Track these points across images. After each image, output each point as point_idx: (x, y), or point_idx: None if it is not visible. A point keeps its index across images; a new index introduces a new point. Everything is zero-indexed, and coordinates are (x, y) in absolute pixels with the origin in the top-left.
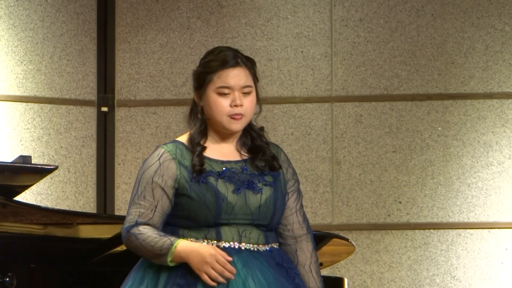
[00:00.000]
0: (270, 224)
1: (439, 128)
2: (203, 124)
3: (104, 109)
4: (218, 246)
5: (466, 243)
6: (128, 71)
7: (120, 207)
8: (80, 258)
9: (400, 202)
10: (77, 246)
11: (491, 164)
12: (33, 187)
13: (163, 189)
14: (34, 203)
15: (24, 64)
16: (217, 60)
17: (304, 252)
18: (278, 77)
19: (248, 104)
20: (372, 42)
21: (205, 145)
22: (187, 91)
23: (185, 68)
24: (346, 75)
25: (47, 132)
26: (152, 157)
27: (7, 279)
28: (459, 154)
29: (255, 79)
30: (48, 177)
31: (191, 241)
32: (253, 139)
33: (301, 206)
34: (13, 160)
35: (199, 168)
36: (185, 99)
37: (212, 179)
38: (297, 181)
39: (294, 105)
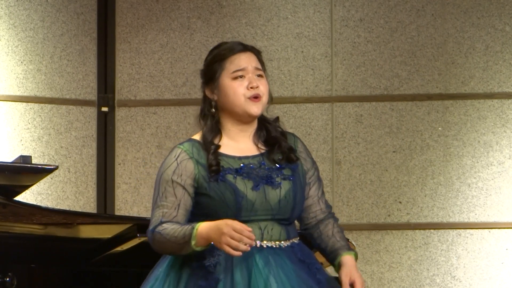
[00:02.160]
0: (290, 217)
1: (440, 128)
2: (214, 119)
3: (104, 109)
4: None
5: (466, 243)
6: (128, 71)
7: (120, 207)
8: (80, 258)
9: (400, 202)
10: (77, 246)
11: (492, 164)
12: (33, 187)
13: (183, 187)
14: (34, 203)
15: (25, 64)
16: (225, 49)
17: (326, 225)
18: (278, 77)
19: (263, 86)
20: (372, 42)
21: (220, 142)
22: (187, 91)
23: (185, 68)
24: (346, 75)
25: (47, 132)
26: (169, 158)
27: (7, 279)
28: (459, 154)
29: (264, 68)
30: (48, 177)
31: None
32: (268, 131)
33: (323, 193)
34: (13, 160)
35: (216, 168)
36: (185, 99)
37: (230, 177)
38: (317, 169)
39: (294, 105)
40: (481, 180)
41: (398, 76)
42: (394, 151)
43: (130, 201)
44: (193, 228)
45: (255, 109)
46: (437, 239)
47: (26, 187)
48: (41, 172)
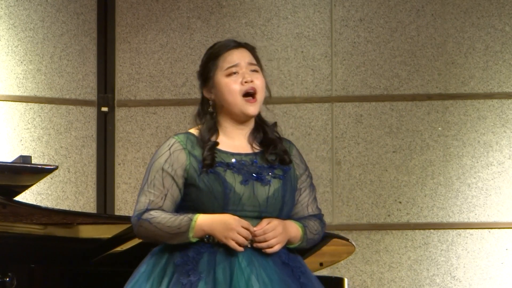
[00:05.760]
0: (279, 217)
1: (439, 128)
2: (212, 119)
3: (104, 109)
4: (223, 244)
5: (466, 243)
6: (128, 71)
7: (120, 207)
8: (80, 258)
9: (400, 202)
10: (77, 246)
11: (491, 164)
12: (33, 187)
13: (173, 178)
14: (34, 203)
15: (24, 64)
16: (218, 47)
17: (308, 218)
18: (278, 77)
19: (259, 81)
20: (372, 42)
21: (217, 140)
22: (187, 91)
23: (185, 68)
24: (346, 75)
25: (47, 132)
26: (162, 147)
27: (7, 279)
28: (459, 154)
29: (259, 64)
30: (48, 177)
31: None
32: (265, 133)
33: (314, 200)
34: (13, 160)
35: (210, 162)
36: (185, 99)
37: (220, 170)
38: (309, 176)
39: (294, 105)
40: (481, 180)
41: (398, 76)
42: (394, 151)
43: (130, 201)
44: (190, 219)
45: (252, 109)
46: (437, 239)
47: (26, 187)
48: (41, 172)
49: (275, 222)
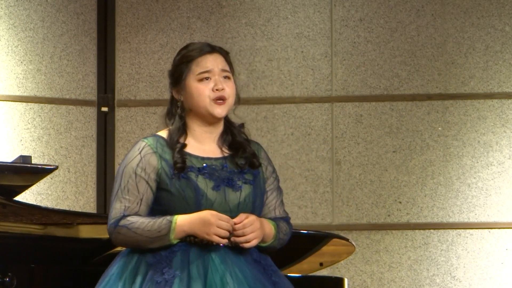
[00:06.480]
0: None
1: (439, 128)
2: (181, 120)
3: (104, 109)
4: (195, 242)
5: (466, 243)
6: (128, 71)
7: None
8: (80, 258)
9: (400, 202)
10: (77, 246)
11: (491, 164)
12: (33, 187)
13: (147, 182)
14: (34, 203)
15: (24, 64)
16: (191, 50)
17: (278, 220)
18: (278, 77)
19: (230, 88)
20: (372, 42)
21: (185, 142)
22: None
23: None
24: (346, 75)
25: (47, 132)
26: (133, 151)
27: (7, 279)
28: (459, 154)
29: (232, 69)
30: (48, 177)
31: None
32: (233, 135)
33: (281, 203)
34: (13, 160)
35: (181, 165)
36: None
37: (192, 175)
38: (277, 179)
39: (294, 105)
40: (481, 180)
41: (398, 76)
42: (394, 151)
43: None
44: (170, 221)
45: (219, 110)
46: (437, 239)
47: (26, 187)
48: (41, 172)
49: (253, 217)
